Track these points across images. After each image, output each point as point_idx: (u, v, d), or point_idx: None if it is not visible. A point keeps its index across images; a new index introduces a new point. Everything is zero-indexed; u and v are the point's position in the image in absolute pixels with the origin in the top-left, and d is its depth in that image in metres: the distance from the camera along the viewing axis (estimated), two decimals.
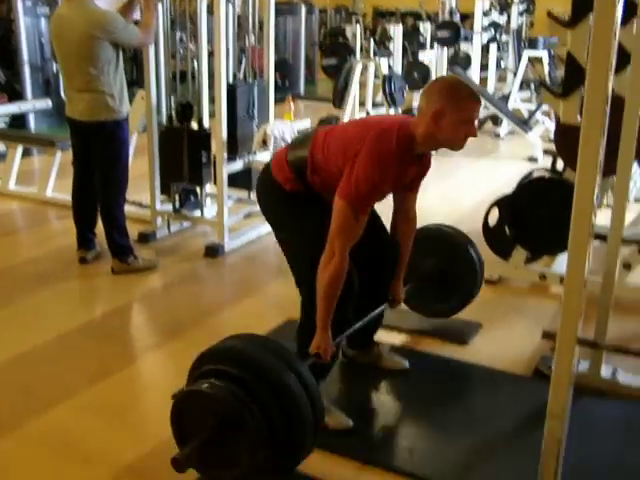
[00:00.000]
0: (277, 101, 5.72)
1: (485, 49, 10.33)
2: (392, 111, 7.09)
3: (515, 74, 9.73)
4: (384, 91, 7.11)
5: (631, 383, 3.12)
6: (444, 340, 3.61)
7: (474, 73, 9.77)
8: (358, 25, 8.17)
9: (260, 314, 3.94)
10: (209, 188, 5.21)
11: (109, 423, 2.91)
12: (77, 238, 4.59)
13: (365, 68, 7.37)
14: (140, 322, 4.07)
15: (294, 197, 2.80)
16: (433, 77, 8.81)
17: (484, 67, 10.47)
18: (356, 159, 2.54)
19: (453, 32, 9.51)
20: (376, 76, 7.46)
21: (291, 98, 6.55)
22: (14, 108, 8.27)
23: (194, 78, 5.02)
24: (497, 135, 9.09)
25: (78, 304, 4.13)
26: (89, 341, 3.61)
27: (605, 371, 3.15)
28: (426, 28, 10.22)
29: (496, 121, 9.27)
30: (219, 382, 2.21)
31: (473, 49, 9.88)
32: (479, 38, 9.84)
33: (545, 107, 8.58)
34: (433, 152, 2.80)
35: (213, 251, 4.80)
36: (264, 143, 5.17)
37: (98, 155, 4.28)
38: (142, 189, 5.36)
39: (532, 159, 7.72)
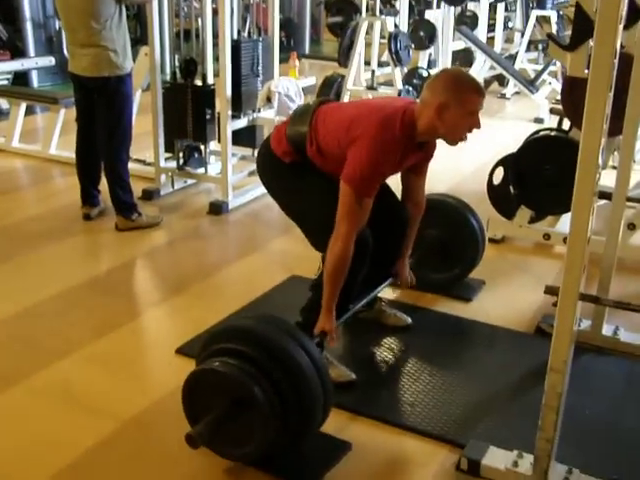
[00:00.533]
0: (282, 61, 5.68)
1: (492, 8, 10.18)
2: (398, 70, 7.01)
3: (523, 34, 9.61)
4: (390, 50, 7.02)
5: (632, 341, 3.14)
6: (447, 297, 3.62)
7: (481, 33, 9.64)
8: None
9: (264, 270, 3.95)
10: (213, 145, 5.19)
11: (114, 375, 2.93)
12: (81, 195, 4.60)
13: (371, 26, 7.29)
14: (144, 277, 4.09)
15: (294, 168, 2.83)
16: (439, 36, 8.72)
17: (491, 27, 10.34)
18: (358, 142, 2.57)
19: None
20: (382, 35, 7.38)
21: (295, 55, 6.48)
22: (17, 65, 8.19)
23: (198, 37, 4.97)
24: (503, 95, 9.02)
25: (82, 260, 4.15)
26: (94, 296, 3.63)
27: (607, 329, 3.17)
28: None
29: (502, 81, 9.19)
30: (231, 360, 2.22)
31: (480, 8, 9.73)
32: None
33: (552, 67, 8.49)
34: None
35: (217, 208, 4.80)
36: (268, 100, 5.14)
37: (101, 111, 4.26)
38: (146, 146, 5.36)
39: (538, 120, 7.66)
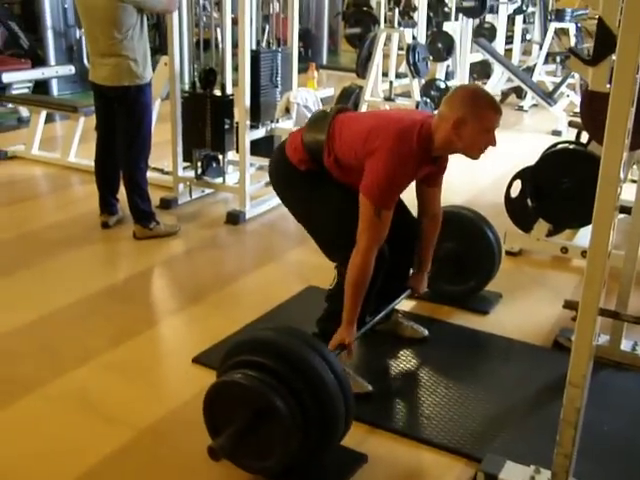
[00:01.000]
0: (300, 71, 5.70)
1: (511, 21, 10.18)
2: (415, 81, 7.02)
3: (541, 46, 9.59)
4: (408, 61, 7.04)
5: None
6: (464, 309, 3.61)
7: (499, 45, 9.64)
8: None
9: (281, 281, 3.96)
10: (231, 155, 5.21)
11: (131, 384, 2.94)
12: (99, 203, 4.62)
13: (389, 38, 7.30)
14: (162, 286, 4.11)
15: (310, 177, 2.84)
16: (457, 48, 8.72)
17: (509, 39, 10.32)
18: (376, 154, 2.58)
19: (479, 2, 9.35)
20: (400, 47, 7.39)
21: (314, 66, 6.50)
22: (37, 74, 8.27)
23: (217, 47, 5.00)
24: (521, 108, 8.99)
25: (100, 268, 4.17)
26: (111, 304, 3.64)
27: (625, 344, 3.14)
28: None
29: (520, 94, 9.16)
30: (252, 372, 2.22)
31: (499, 20, 9.73)
32: (505, 9, 9.69)
33: (570, 80, 8.47)
34: None
35: (234, 218, 4.81)
36: (287, 111, 5.16)
37: (121, 120, 4.29)
38: (164, 155, 5.38)
39: (556, 132, 7.64)
